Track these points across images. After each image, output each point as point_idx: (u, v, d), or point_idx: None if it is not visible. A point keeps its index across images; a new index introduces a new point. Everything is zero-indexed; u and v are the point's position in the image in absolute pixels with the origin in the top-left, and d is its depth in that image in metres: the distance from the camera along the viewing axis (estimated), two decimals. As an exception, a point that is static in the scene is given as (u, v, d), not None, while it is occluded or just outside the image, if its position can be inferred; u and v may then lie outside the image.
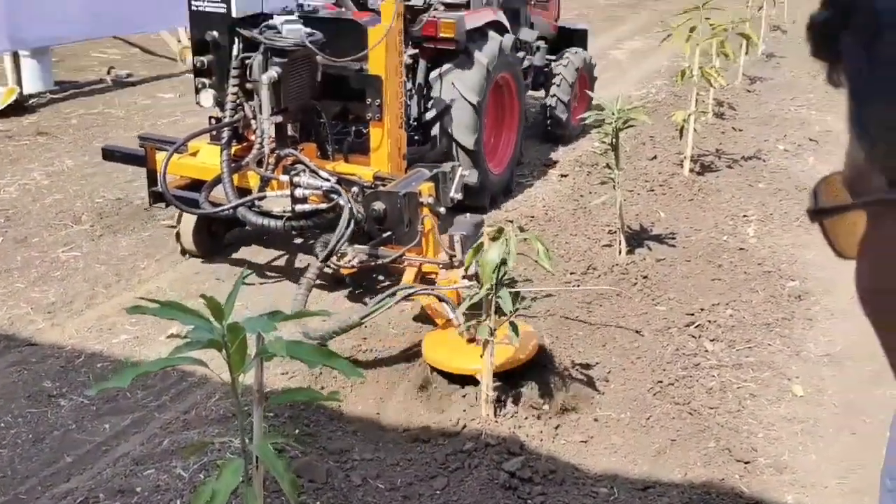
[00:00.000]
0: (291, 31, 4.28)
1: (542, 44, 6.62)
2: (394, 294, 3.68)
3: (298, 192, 4.10)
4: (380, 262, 4.05)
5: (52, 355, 3.77)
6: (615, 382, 3.60)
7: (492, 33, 5.32)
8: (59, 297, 4.28)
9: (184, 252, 4.73)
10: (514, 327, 3.19)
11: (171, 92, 8.00)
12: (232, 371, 1.73)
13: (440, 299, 3.70)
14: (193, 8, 4.43)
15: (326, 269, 4.11)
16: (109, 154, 4.97)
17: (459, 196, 4.27)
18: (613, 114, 4.44)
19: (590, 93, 6.22)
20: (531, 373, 3.54)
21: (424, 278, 4.05)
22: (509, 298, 3.14)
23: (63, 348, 3.83)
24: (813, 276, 4.66)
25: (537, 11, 6.76)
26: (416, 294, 3.73)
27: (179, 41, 9.09)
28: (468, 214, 4.01)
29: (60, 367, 3.70)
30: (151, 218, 5.19)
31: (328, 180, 4.07)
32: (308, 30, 4.32)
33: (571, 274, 4.51)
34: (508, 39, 5.48)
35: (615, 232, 4.82)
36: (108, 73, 8.33)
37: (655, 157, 6.42)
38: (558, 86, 6.57)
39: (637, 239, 4.92)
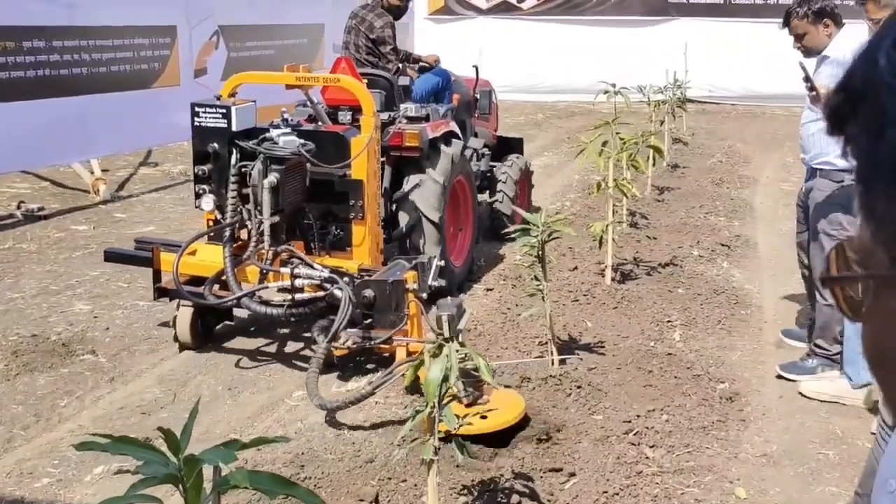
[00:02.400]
0: (288, 142, 4.86)
1: (486, 151, 7.27)
2: (398, 366, 4.10)
3: (298, 283, 4.65)
4: (372, 343, 4.50)
5: (-31, 505, 3.55)
6: (561, 498, 3.55)
7: (444, 147, 5.93)
8: (-26, 441, 4.05)
9: (179, 345, 5.09)
10: (461, 445, 3.15)
11: (85, 224, 7.87)
12: (189, 507, 1.65)
13: None
14: (196, 123, 5.01)
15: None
16: (113, 257, 5.44)
17: (437, 283, 4.88)
18: (538, 227, 4.53)
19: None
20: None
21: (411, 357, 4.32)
22: (453, 416, 3.11)
23: (-20, 496, 3.61)
24: (740, 376, 4.75)
25: (480, 122, 7.56)
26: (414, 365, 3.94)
27: (92, 172, 9.00)
28: (449, 298, 4.32)
29: (-22, 517, 3.48)
30: (70, 354, 5.01)
31: (322, 272, 4.62)
32: (301, 140, 4.92)
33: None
34: (458, 148, 6.10)
35: (545, 343, 4.86)
36: (18, 207, 8.16)
37: (576, 268, 6.54)
38: (504, 184, 7.23)
39: (567, 349, 4.96)
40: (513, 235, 4.86)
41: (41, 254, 6.93)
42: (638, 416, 4.19)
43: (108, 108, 8.68)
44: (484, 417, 3.84)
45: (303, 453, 3.85)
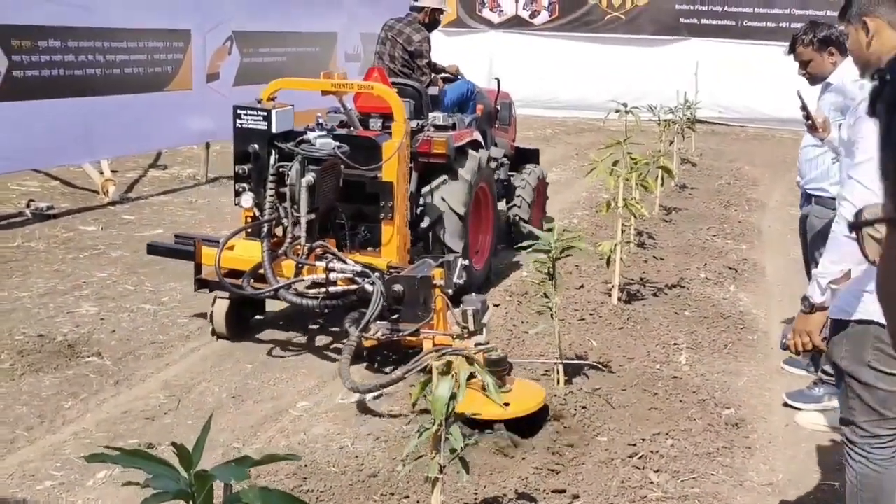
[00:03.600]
0: (324, 144, 5.21)
1: (505, 160, 7.49)
2: (427, 355, 4.26)
3: (332, 277, 4.93)
4: (400, 335, 4.71)
5: (-30, 505, 3.54)
6: (564, 518, 3.54)
7: (472, 151, 6.21)
8: (-23, 441, 4.05)
9: (215, 335, 5.33)
10: (465, 464, 3.14)
11: (94, 224, 7.87)
12: (200, 524, 1.64)
13: (466, 359, 4.05)
14: (238, 125, 5.25)
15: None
16: (155, 250, 5.79)
17: (461, 282, 5.10)
18: (551, 243, 4.52)
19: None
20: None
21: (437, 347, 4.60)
22: (460, 435, 3.09)
23: (-18, 497, 3.60)
24: (746, 403, 4.73)
25: (500, 133, 7.78)
26: (448, 353, 4.06)
27: (102, 173, 9.01)
28: (474, 294, 4.70)
29: (-21, 518, 3.47)
30: (75, 355, 5.01)
31: (355, 267, 4.93)
32: (337, 143, 5.25)
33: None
34: (485, 155, 6.41)
35: (554, 361, 4.84)
36: (28, 205, 8.17)
37: (583, 286, 6.53)
38: (521, 195, 7.47)
39: (572, 368, 4.94)
40: (526, 250, 4.87)
41: (49, 253, 6.93)
42: (643, 439, 4.17)
43: (120, 109, 8.68)
44: (506, 405, 3.98)
45: (306, 465, 3.83)
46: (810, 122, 4.11)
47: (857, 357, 2.83)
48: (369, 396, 4.59)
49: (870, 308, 2.73)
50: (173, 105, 9.52)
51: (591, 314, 5.90)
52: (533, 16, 17.81)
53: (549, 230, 4.70)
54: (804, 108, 4.07)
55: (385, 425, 4.31)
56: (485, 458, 3.91)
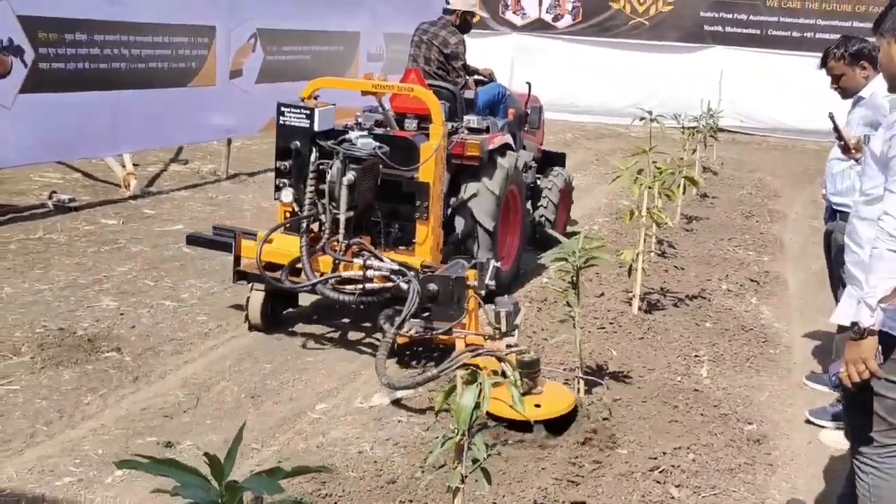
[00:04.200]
0: (365, 144, 5.32)
1: (533, 163, 7.60)
2: (461, 354, 4.31)
3: (369, 274, 5.03)
4: (433, 334, 4.76)
5: (-11, 499, 3.54)
6: (584, 532, 3.50)
7: (501, 158, 6.26)
8: (-3, 434, 4.05)
9: (250, 327, 5.45)
10: (487, 474, 3.11)
11: (115, 218, 7.88)
12: (230, 536, 1.62)
13: (499, 359, 4.19)
14: (281, 122, 5.38)
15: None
16: (195, 240, 5.84)
17: (493, 283, 5.10)
18: (575, 252, 4.48)
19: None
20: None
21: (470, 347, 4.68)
22: (483, 445, 3.06)
23: (1, 492, 3.59)
24: (769, 418, 4.69)
25: (528, 136, 7.84)
26: (481, 354, 4.31)
27: (124, 167, 9.03)
28: (506, 296, 4.73)
29: (-2, 513, 3.46)
30: (95, 350, 5.00)
31: (391, 265, 5.04)
32: (377, 143, 5.35)
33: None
34: (516, 159, 6.48)
35: (572, 370, 4.81)
36: (50, 197, 8.18)
37: (602, 294, 6.49)
38: (548, 194, 7.55)
39: (593, 378, 4.90)
40: (549, 259, 4.84)
41: (70, 246, 6.94)
42: (664, 452, 4.13)
43: (144, 104, 8.70)
44: (538, 406, 4.14)
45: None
46: (842, 142, 4.07)
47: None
48: (399, 394, 4.58)
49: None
50: (197, 100, 9.53)
51: (611, 323, 5.87)
52: (556, 19, 17.76)
53: (574, 236, 4.67)
54: (836, 128, 4.03)
55: (404, 430, 4.28)
56: (501, 467, 3.89)
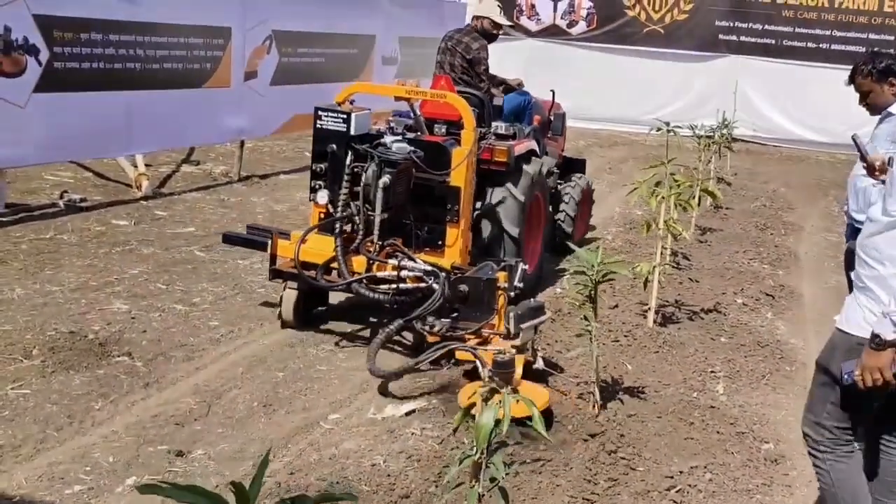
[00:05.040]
0: (400, 148, 5.47)
1: (555, 169, 7.63)
2: (440, 347, 4.70)
3: (403, 274, 5.20)
4: (460, 332, 4.93)
5: (-2, 507, 3.50)
6: (600, 552, 3.45)
7: (526, 165, 6.35)
8: (7, 439, 4.00)
9: (283, 324, 5.60)
10: (505, 494, 3.06)
11: (126, 219, 7.85)
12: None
13: (474, 356, 4.46)
14: (318, 125, 5.51)
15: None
16: (230, 239, 6.08)
17: (521, 286, 5.25)
18: (593, 266, 4.43)
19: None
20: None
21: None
22: (502, 465, 3.01)
23: (11, 499, 3.55)
24: (786, 437, 4.62)
25: (550, 143, 7.89)
26: (455, 349, 4.65)
27: (136, 167, 9.01)
28: (532, 300, 4.97)
29: (7, 521, 3.42)
30: (106, 354, 4.97)
31: (424, 266, 5.19)
32: (411, 147, 5.51)
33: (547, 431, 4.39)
34: (541, 164, 6.60)
35: (587, 384, 4.76)
36: (61, 196, 8.16)
37: (617, 306, 6.44)
38: (567, 203, 7.71)
39: (608, 392, 4.85)
40: (568, 271, 4.83)
41: (81, 247, 6.91)
42: (680, 471, 4.08)
43: (158, 104, 8.68)
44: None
45: (337, 482, 3.77)
46: (867, 165, 4.03)
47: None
48: (403, 410, 4.53)
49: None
50: (211, 102, 9.51)
51: (625, 336, 5.81)
52: (570, 25, 17.70)
53: (589, 245, 4.65)
54: (860, 150, 3.98)
55: (417, 443, 4.23)
56: (515, 483, 3.83)
